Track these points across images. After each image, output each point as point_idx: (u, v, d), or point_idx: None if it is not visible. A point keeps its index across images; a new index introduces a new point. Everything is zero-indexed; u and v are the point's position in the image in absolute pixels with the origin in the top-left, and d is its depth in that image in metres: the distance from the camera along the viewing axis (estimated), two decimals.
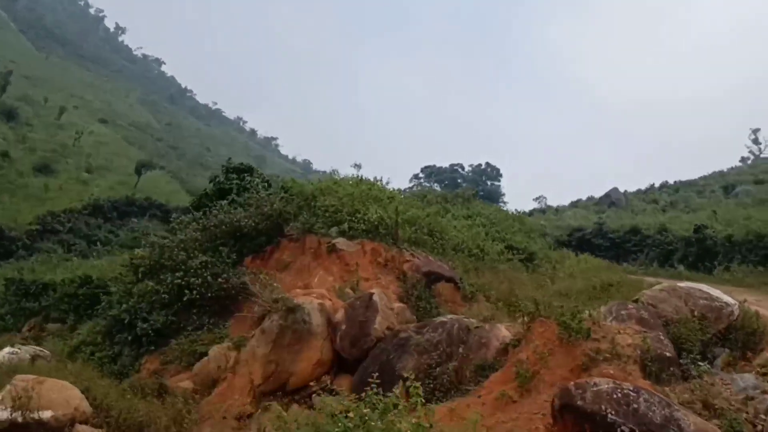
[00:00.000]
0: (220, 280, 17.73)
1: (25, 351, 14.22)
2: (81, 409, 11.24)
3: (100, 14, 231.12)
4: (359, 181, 22.23)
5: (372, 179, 22.90)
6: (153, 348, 17.36)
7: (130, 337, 17.54)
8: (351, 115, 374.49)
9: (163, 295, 17.96)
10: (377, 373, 9.52)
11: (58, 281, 40.13)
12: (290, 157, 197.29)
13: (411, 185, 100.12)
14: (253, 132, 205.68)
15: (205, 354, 15.49)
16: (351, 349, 13.85)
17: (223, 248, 18.99)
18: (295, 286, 16.82)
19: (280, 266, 18.18)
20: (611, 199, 62.11)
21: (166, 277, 18.03)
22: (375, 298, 14.21)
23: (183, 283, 17.74)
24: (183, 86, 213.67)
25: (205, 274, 17.70)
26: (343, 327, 14.11)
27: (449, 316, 14.39)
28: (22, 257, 59.21)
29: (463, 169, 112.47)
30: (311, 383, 13.71)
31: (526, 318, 12.36)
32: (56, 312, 37.96)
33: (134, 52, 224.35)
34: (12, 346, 14.27)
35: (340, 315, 14.19)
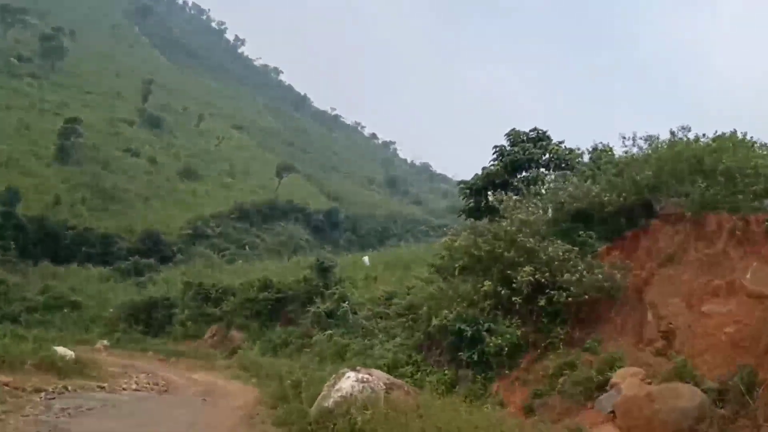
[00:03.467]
0: (600, 276, 13.05)
1: (377, 378, 10.04)
2: None
3: (222, 27, 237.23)
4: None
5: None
6: (507, 371, 12.95)
7: (475, 356, 13.18)
8: (452, 111, 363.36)
9: (513, 299, 13.48)
10: None
11: (237, 285, 37.75)
12: (409, 160, 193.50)
13: None
14: (373, 136, 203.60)
15: (602, 382, 10.82)
16: None
17: (583, 233, 14.26)
18: (704, 285, 11.90)
19: (657, 258, 13.27)
20: None
21: (509, 274, 13.52)
22: None
23: (544, 281, 13.23)
24: (302, 93, 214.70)
25: (578, 268, 13.07)
26: None
27: None
28: (181, 261, 58.35)
29: None
30: None
31: None
32: (239, 318, 35.48)
33: (254, 62, 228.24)
34: (355, 370, 10.08)
35: None
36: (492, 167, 20.38)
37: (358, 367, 10.68)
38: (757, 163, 12.85)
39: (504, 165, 19.92)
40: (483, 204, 19.53)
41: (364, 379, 9.70)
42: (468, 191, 20.65)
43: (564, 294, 12.97)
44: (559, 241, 13.71)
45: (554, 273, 13.20)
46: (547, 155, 19.93)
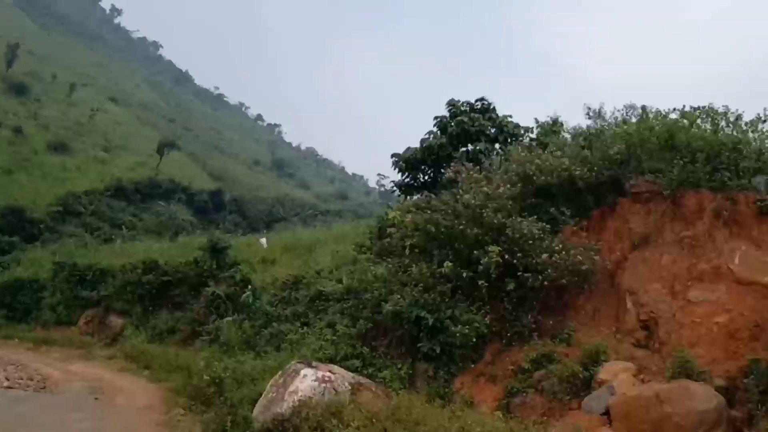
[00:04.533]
0: (579, 257, 11.63)
1: (341, 376, 8.13)
2: None
3: None
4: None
5: None
6: (472, 364, 11.33)
7: (437, 349, 11.43)
8: (338, 97, 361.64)
9: (478, 282, 11.81)
10: None
11: (117, 267, 34.32)
12: (294, 144, 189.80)
13: None
14: (259, 117, 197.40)
15: (587, 378, 9.47)
16: None
17: (554, 210, 12.77)
18: (687, 270, 10.81)
19: (630, 239, 12.08)
20: None
21: (472, 254, 11.78)
22: None
23: (515, 262, 11.64)
24: (183, 70, 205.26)
25: (555, 248, 11.58)
26: None
27: None
28: (49, 240, 53.34)
29: None
30: None
31: None
32: (119, 302, 32.31)
33: (132, 34, 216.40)
34: (311, 366, 8.14)
35: None
36: (433, 140, 18.76)
37: (314, 363, 8.78)
38: (742, 138, 12.00)
39: (449, 137, 18.33)
40: (418, 179, 17.97)
41: (326, 378, 7.86)
42: (403, 165, 18.93)
43: (539, 277, 11.62)
44: (533, 218, 12.32)
45: (526, 253, 11.80)
46: (494, 129, 18.62)
